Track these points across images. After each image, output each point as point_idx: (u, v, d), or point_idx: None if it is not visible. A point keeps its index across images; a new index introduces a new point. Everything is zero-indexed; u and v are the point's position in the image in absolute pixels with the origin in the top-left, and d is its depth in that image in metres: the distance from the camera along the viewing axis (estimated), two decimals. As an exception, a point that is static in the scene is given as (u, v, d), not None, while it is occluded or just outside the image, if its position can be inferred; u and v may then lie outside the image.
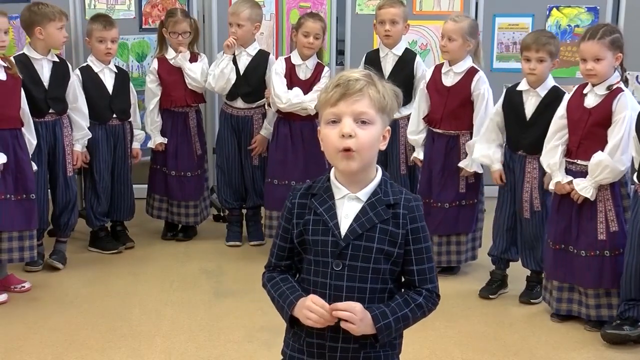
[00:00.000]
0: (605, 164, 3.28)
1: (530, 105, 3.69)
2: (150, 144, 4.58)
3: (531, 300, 3.77)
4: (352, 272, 1.80)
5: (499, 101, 3.80)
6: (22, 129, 3.77)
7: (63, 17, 4.08)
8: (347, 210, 1.81)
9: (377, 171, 1.84)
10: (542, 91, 3.65)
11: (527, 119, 3.68)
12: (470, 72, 3.94)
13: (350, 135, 1.74)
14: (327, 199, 1.82)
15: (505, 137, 3.81)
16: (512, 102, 3.73)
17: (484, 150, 3.80)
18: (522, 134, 3.69)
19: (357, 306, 1.76)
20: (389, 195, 1.82)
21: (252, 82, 4.47)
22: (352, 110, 1.75)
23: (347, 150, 1.74)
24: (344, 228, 1.80)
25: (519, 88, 3.72)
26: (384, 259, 1.80)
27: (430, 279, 1.85)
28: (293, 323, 1.84)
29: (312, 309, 1.77)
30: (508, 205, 3.83)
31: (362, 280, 1.80)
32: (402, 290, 1.87)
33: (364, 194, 1.81)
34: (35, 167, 3.88)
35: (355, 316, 1.75)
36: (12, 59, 3.83)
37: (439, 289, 1.88)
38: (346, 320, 1.76)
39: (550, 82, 3.68)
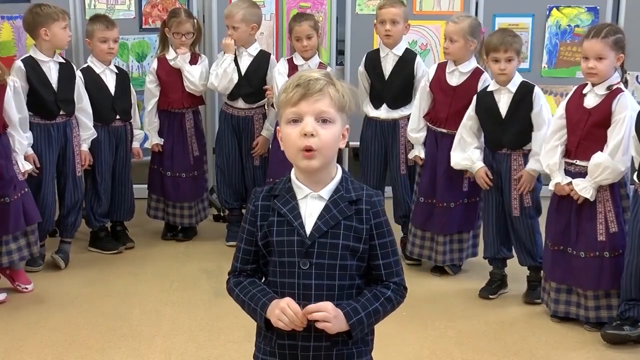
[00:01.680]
0: (605, 165, 3.28)
1: (503, 104, 3.71)
2: (147, 145, 4.58)
3: (535, 300, 3.76)
4: (320, 270, 1.81)
5: (470, 108, 3.81)
6: (9, 130, 3.68)
7: (66, 17, 4.08)
8: (311, 209, 1.82)
9: (337, 169, 1.86)
10: (513, 87, 3.68)
11: (503, 117, 3.70)
12: (476, 73, 3.95)
13: (312, 134, 1.76)
14: (289, 199, 1.83)
15: (482, 140, 3.83)
16: (485, 104, 3.75)
17: (460, 157, 3.83)
18: (501, 131, 3.72)
19: (328, 305, 1.78)
20: (350, 192, 1.83)
21: (253, 83, 4.47)
22: (313, 109, 1.77)
23: (309, 150, 1.76)
24: (308, 227, 1.81)
25: (489, 89, 3.75)
26: (350, 255, 1.82)
27: (397, 272, 1.87)
28: (268, 325, 1.84)
29: (286, 312, 1.77)
30: (495, 207, 3.83)
31: (330, 278, 1.81)
32: (370, 285, 1.88)
33: (326, 192, 1.83)
34: (30, 168, 3.84)
35: (329, 314, 1.77)
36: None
37: (405, 282, 1.90)
38: (321, 321, 1.77)
39: (518, 79, 3.71)
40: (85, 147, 4.23)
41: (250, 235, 1.88)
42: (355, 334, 1.81)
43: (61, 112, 4.06)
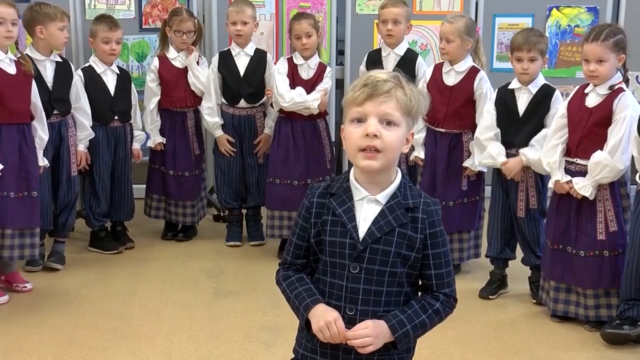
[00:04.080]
0: (604, 163, 3.28)
1: (522, 103, 3.70)
2: (150, 144, 4.58)
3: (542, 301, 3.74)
4: (369, 276, 1.79)
5: (487, 105, 3.81)
6: (34, 123, 3.73)
7: (65, 18, 4.07)
8: (366, 212, 1.80)
9: (397, 174, 1.84)
10: (534, 88, 3.67)
11: (520, 116, 3.69)
12: (472, 71, 3.95)
13: (375, 135, 1.74)
14: (346, 200, 1.81)
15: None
16: (504, 100, 3.75)
17: (479, 157, 3.81)
18: (516, 131, 3.71)
19: (366, 327, 1.76)
20: (408, 198, 1.81)
21: (253, 83, 4.47)
22: (379, 111, 1.75)
23: (371, 149, 1.74)
24: (362, 231, 1.79)
25: (510, 86, 3.74)
26: (401, 262, 1.80)
27: (448, 283, 1.85)
28: (308, 325, 1.83)
29: (331, 328, 1.76)
30: (502, 205, 3.83)
31: (378, 284, 1.80)
32: (419, 294, 1.86)
33: (384, 196, 1.81)
34: (47, 163, 3.88)
35: (370, 337, 1.75)
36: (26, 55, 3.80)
37: (456, 293, 1.88)
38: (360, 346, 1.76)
39: (541, 80, 3.70)
40: (82, 147, 4.22)
41: (303, 230, 1.87)
42: (400, 346, 1.80)
43: (55, 112, 4.04)
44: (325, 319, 1.77)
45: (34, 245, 3.80)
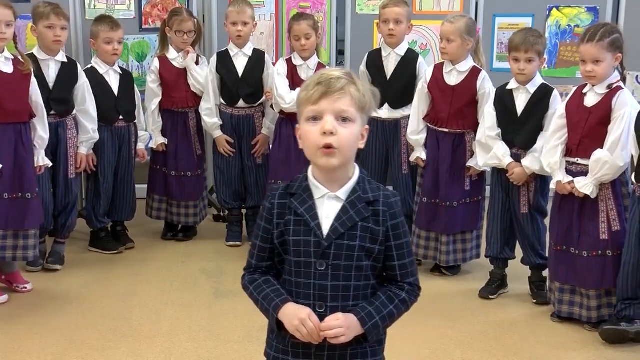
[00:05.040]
0: (604, 160, 3.28)
1: (520, 103, 3.70)
2: (152, 145, 4.58)
3: (547, 300, 3.73)
4: (336, 271, 1.81)
5: (487, 105, 3.81)
6: (34, 121, 3.71)
7: (52, 16, 3.96)
8: (328, 209, 1.81)
9: (354, 169, 1.85)
10: (532, 88, 3.68)
11: (519, 116, 3.69)
12: (474, 71, 3.95)
13: (332, 133, 1.75)
14: (306, 199, 1.83)
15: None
16: (503, 100, 3.75)
17: (484, 157, 3.80)
18: (515, 131, 3.71)
19: (338, 319, 1.78)
20: (367, 192, 1.83)
21: (251, 83, 4.47)
22: (334, 108, 1.76)
23: (329, 147, 1.75)
24: (325, 228, 1.80)
25: (508, 87, 3.75)
26: (366, 256, 1.82)
27: (412, 273, 1.87)
28: (279, 326, 1.84)
29: (306, 325, 1.77)
30: (501, 205, 3.83)
31: (346, 279, 1.81)
32: (385, 285, 1.88)
33: (344, 192, 1.82)
34: (48, 163, 3.86)
35: (342, 328, 1.77)
36: (26, 55, 3.78)
37: (419, 281, 1.90)
38: (333, 337, 1.78)
39: (539, 80, 3.70)
40: (84, 150, 4.18)
41: (266, 232, 1.87)
42: (371, 338, 1.82)
43: (52, 112, 3.98)
44: (299, 316, 1.78)
45: (27, 247, 3.76)
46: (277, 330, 1.85)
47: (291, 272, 1.84)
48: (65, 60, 4.10)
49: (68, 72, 4.09)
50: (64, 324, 3.47)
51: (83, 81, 4.14)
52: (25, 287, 3.85)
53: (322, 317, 1.80)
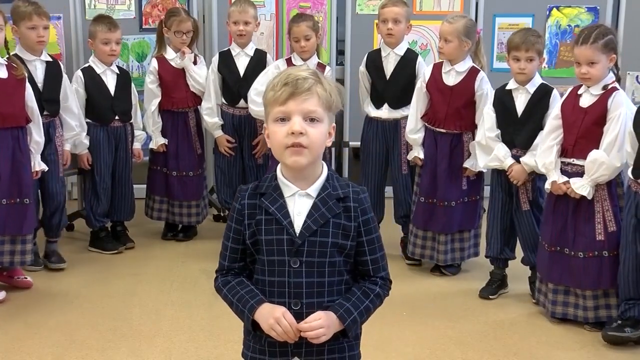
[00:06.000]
0: (601, 161, 3.28)
1: (520, 103, 3.70)
2: (152, 145, 4.57)
3: (536, 301, 3.73)
4: (310, 268, 1.82)
5: (487, 107, 3.81)
6: (29, 126, 3.69)
7: (34, 17, 3.88)
8: (299, 207, 1.82)
9: (323, 167, 1.86)
10: (532, 88, 3.68)
11: (519, 116, 3.69)
12: (473, 72, 3.95)
13: (301, 133, 1.76)
14: (277, 198, 1.83)
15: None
16: (503, 101, 3.75)
17: (485, 159, 3.79)
18: (515, 131, 3.71)
19: (319, 318, 1.79)
20: (337, 189, 1.84)
21: (252, 83, 4.46)
22: (302, 109, 1.77)
23: (298, 146, 1.76)
24: (298, 225, 1.81)
25: (507, 87, 3.74)
26: (338, 252, 1.83)
27: (383, 267, 1.90)
28: (255, 327, 1.84)
29: (281, 323, 1.78)
30: (501, 205, 3.83)
31: (320, 275, 1.82)
32: (358, 281, 1.90)
33: (314, 189, 1.83)
34: (44, 167, 3.84)
35: (323, 327, 1.78)
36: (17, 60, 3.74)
37: (390, 275, 1.93)
38: (314, 337, 1.79)
39: (538, 80, 3.70)
40: (68, 147, 4.16)
41: (237, 233, 1.88)
42: (350, 334, 1.84)
43: (45, 112, 3.95)
44: (274, 315, 1.79)
45: (25, 252, 3.77)
46: (253, 331, 1.86)
47: (264, 271, 1.85)
48: (50, 59, 4.06)
49: (54, 71, 4.05)
50: (64, 324, 3.47)
51: (65, 78, 4.12)
52: (26, 277, 3.85)
53: (298, 315, 1.81)
